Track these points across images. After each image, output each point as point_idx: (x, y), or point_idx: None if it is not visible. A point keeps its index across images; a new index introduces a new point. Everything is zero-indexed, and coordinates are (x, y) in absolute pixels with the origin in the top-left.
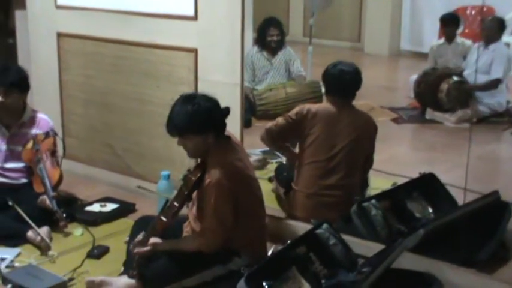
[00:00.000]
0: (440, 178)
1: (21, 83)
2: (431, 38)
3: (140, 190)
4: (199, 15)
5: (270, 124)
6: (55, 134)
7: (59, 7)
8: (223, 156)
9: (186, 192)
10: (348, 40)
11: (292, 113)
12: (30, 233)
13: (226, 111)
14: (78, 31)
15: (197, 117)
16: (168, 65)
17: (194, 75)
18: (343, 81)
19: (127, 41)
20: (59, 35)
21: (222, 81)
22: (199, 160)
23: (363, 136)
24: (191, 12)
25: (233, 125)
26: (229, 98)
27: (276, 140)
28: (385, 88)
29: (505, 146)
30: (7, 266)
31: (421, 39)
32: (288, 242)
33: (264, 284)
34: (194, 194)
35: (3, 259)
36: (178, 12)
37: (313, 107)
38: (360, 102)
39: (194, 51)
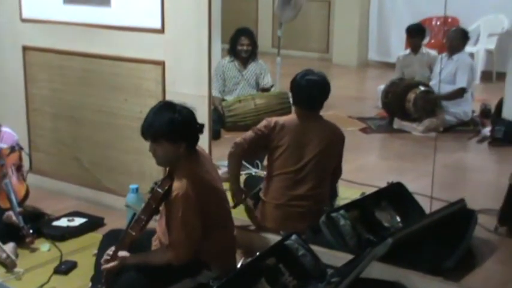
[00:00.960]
0: (408, 187)
1: None
2: (398, 48)
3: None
4: (166, 28)
5: (238, 139)
6: (20, 148)
7: (24, 20)
8: (190, 168)
9: (153, 206)
10: (316, 51)
11: (261, 125)
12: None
13: (201, 127)
14: (44, 44)
15: (177, 126)
16: (136, 77)
17: (162, 87)
18: (311, 93)
19: (94, 54)
20: (25, 48)
21: (189, 94)
22: (167, 172)
23: (331, 146)
24: (158, 25)
25: (201, 137)
26: (197, 110)
27: (246, 153)
28: (353, 98)
29: (471, 155)
30: None
31: (388, 50)
32: (257, 253)
33: None
34: (162, 207)
35: None
36: (145, 25)
37: (281, 119)
38: (328, 112)
39: (161, 63)
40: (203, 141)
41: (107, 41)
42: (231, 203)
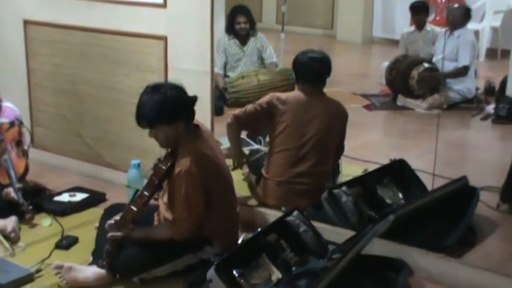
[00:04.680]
0: (411, 164)
1: None
2: (403, 25)
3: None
4: (168, 3)
5: (238, 111)
6: (20, 123)
7: None
8: (193, 145)
9: (156, 182)
10: (320, 27)
11: (263, 101)
12: (0, 223)
13: (194, 98)
14: (45, 18)
15: (165, 106)
16: (137, 52)
17: (164, 63)
18: (313, 69)
19: (95, 28)
20: (26, 23)
21: (192, 69)
22: (169, 149)
23: (333, 123)
24: (160, 0)
25: (204, 113)
26: (200, 86)
27: (242, 127)
28: (357, 75)
29: (474, 132)
30: None
31: (393, 27)
32: (259, 229)
33: (234, 272)
34: (165, 183)
35: None
36: None
37: (284, 95)
38: (332, 89)
39: (164, 39)
40: (205, 118)
41: (108, 15)
42: (230, 166)
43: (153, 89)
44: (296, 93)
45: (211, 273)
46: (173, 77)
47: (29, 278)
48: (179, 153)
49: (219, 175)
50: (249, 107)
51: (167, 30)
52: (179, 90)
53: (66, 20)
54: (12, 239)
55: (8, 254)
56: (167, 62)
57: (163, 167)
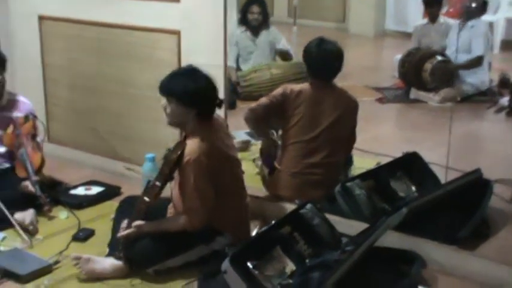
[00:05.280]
0: (424, 157)
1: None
2: (415, 18)
3: (127, 172)
4: None
5: (253, 104)
6: (34, 116)
7: None
8: (204, 135)
9: (167, 172)
10: (332, 20)
11: (277, 93)
12: (18, 216)
13: (220, 102)
14: (60, 14)
15: (190, 91)
16: (151, 47)
17: (177, 57)
18: (326, 64)
19: (109, 23)
20: (41, 18)
21: (205, 64)
22: (182, 136)
23: (345, 115)
24: None
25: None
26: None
27: (260, 120)
28: (369, 68)
29: (488, 125)
30: None
31: (405, 19)
32: (273, 222)
33: (248, 264)
34: (176, 173)
35: None
36: None
37: (297, 87)
38: (344, 82)
39: (177, 33)
40: (219, 112)
41: (123, 10)
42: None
43: (190, 70)
44: (308, 86)
45: (226, 264)
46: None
47: (48, 269)
48: (188, 143)
49: (229, 166)
50: (264, 99)
51: (180, 24)
52: (210, 85)
53: (80, 15)
54: (30, 231)
55: (27, 246)
56: (180, 56)
57: (174, 156)
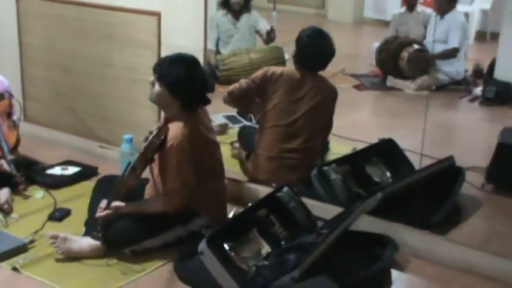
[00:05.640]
0: (399, 143)
1: None
2: (394, 6)
3: (104, 152)
4: None
5: (231, 86)
6: (10, 95)
7: None
8: (186, 120)
9: (148, 155)
10: (312, 7)
11: (257, 76)
12: None
13: (207, 100)
14: None
15: (181, 83)
16: (132, 28)
17: (157, 39)
18: (318, 57)
19: (90, 3)
20: None
21: (185, 46)
22: (162, 121)
23: (324, 102)
24: None
25: None
26: None
27: (237, 102)
28: (347, 55)
29: (462, 113)
30: None
31: (384, 8)
32: (249, 204)
33: (225, 245)
34: (156, 157)
35: None
36: None
37: (278, 70)
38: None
39: (157, 15)
40: None
41: None
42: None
43: (190, 62)
44: (290, 70)
45: (202, 246)
46: (167, 54)
47: (23, 248)
48: (171, 127)
49: (209, 150)
50: (243, 82)
51: (161, 6)
52: (204, 82)
53: None
54: (5, 210)
55: (2, 225)
56: (160, 38)
57: (156, 141)
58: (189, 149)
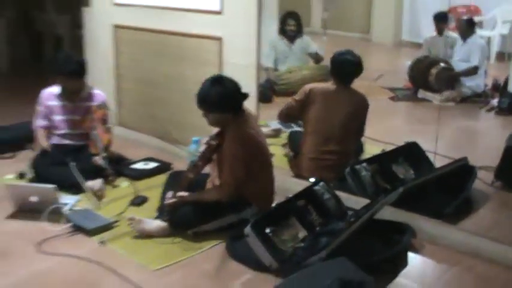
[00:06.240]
0: (424, 146)
1: (80, 72)
2: (427, 30)
3: (178, 151)
4: (224, 10)
5: (283, 106)
6: (105, 106)
7: (115, 4)
8: (238, 126)
9: (208, 155)
10: (358, 31)
11: (299, 93)
12: (90, 183)
13: (246, 95)
14: (129, 23)
15: (224, 99)
16: (199, 50)
17: (219, 59)
18: (345, 70)
19: (167, 30)
20: (115, 27)
21: (241, 64)
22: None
23: (356, 111)
24: (217, 8)
25: (250, 100)
26: (247, 78)
27: (286, 120)
28: (386, 72)
29: (480, 121)
30: (69, 209)
31: (419, 32)
32: (290, 196)
33: (267, 229)
34: (215, 156)
35: (66, 204)
36: (207, 7)
37: (315, 86)
38: (365, 83)
39: (219, 39)
40: (252, 104)
41: (177, 20)
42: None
43: (215, 81)
44: (326, 85)
45: (247, 229)
46: (227, 70)
47: (109, 226)
48: (227, 132)
49: (259, 150)
50: (289, 101)
51: (222, 32)
52: (236, 86)
53: (145, 24)
54: (98, 196)
55: (95, 207)
56: (222, 57)
57: (214, 143)
58: (241, 149)
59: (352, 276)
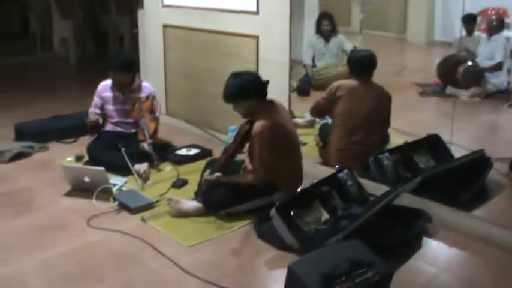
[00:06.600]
0: (447, 139)
1: (126, 66)
2: (459, 31)
3: (218, 139)
4: (260, 11)
5: (314, 103)
6: (153, 97)
7: (164, 6)
8: (267, 114)
9: (238, 141)
10: (394, 31)
11: (327, 91)
12: (137, 166)
13: (266, 82)
14: (176, 23)
15: (245, 87)
16: (238, 47)
17: (256, 55)
18: (362, 65)
19: (210, 29)
20: (164, 26)
21: (275, 60)
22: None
23: (379, 104)
24: (254, 9)
25: (282, 92)
26: (280, 73)
27: (316, 115)
28: (418, 69)
29: (501, 116)
30: (117, 189)
31: (451, 31)
32: (314, 181)
33: (291, 212)
34: (247, 144)
35: (115, 184)
36: (245, 8)
37: (341, 83)
38: (399, 79)
39: (256, 37)
40: (284, 95)
41: (219, 20)
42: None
43: (235, 75)
44: (350, 82)
45: (272, 212)
46: (263, 66)
47: (151, 205)
48: (256, 121)
49: (287, 136)
50: (319, 99)
51: (259, 31)
52: (253, 76)
53: (190, 23)
54: (144, 178)
55: (140, 188)
56: (258, 54)
57: (244, 130)
58: (269, 136)
59: (362, 257)
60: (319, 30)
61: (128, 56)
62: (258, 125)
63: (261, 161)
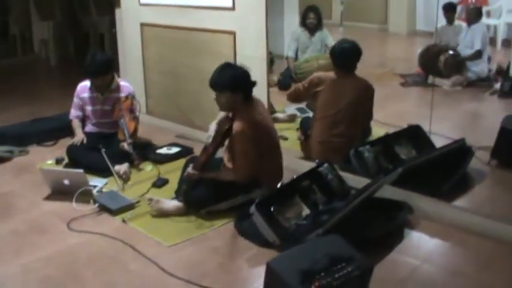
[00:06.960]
0: (427, 128)
1: (102, 71)
2: (440, 20)
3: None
4: (236, 7)
5: (290, 90)
6: (132, 96)
7: (142, 4)
8: (246, 112)
9: (218, 139)
10: (376, 22)
11: (306, 81)
12: (117, 167)
13: (254, 82)
14: (154, 21)
15: (237, 80)
16: (215, 44)
17: (233, 51)
18: (344, 57)
19: (186, 27)
20: (142, 25)
21: (252, 55)
22: (230, 115)
23: (361, 97)
24: (230, 5)
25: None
26: (258, 68)
27: (292, 101)
28: (399, 59)
29: (482, 104)
30: (97, 191)
31: (432, 22)
32: (294, 176)
33: (271, 208)
34: (227, 141)
35: (95, 186)
36: (220, 4)
37: (323, 74)
38: (380, 70)
39: (233, 33)
40: (261, 90)
41: (196, 17)
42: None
43: (228, 65)
44: (331, 74)
45: (252, 208)
46: (240, 61)
47: (131, 206)
48: (236, 118)
49: (267, 134)
50: (297, 86)
51: (235, 27)
52: (246, 72)
53: (167, 21)
54: (124, 179)
55: (120, 189)
56: (235, 50)
57: (224, 128)
58: (250, 134)
59: (342, 252)
60: (304, 23)
61: (101, 59)
62: (239, 124)
63: (243, 159)
